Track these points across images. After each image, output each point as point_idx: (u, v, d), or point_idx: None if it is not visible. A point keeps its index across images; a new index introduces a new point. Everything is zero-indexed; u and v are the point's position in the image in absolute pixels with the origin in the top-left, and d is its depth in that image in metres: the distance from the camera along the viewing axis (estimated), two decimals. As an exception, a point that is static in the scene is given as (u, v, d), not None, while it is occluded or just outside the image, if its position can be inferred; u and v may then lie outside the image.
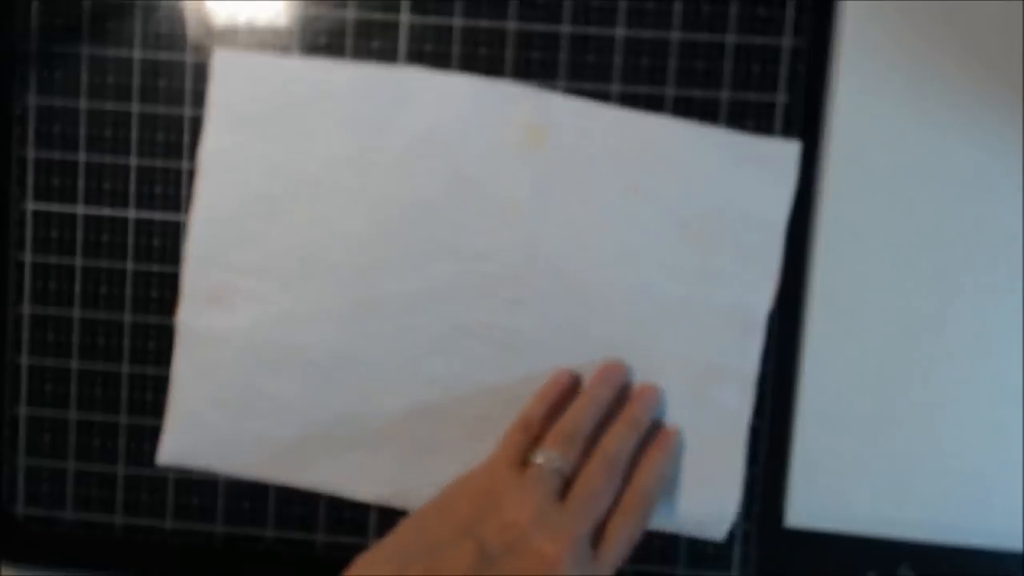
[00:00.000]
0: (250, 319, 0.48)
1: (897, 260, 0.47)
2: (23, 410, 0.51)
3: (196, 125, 0.49)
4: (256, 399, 0.49)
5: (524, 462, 0.44)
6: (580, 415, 0.45)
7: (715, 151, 0.46)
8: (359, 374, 0.48)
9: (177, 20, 0.49)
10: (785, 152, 0.46)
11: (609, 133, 0.46)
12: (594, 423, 0.45)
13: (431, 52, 0.48)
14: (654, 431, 0.47)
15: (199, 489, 0.51)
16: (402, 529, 0.43)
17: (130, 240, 0.50)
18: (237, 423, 0.49)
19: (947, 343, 0.47)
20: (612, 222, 0.47)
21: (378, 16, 0.48)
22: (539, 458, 0.43)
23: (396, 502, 0.48)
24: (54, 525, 0.51)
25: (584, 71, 0.47)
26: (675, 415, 0.47)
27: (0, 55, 0.49)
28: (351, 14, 0.48)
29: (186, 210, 0.50)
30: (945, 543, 0.47)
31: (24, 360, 0.51)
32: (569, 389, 0.47)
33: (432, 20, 0.48)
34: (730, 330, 0.47)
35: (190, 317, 0.49)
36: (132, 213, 0.50)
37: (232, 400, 0.49)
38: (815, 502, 0.47)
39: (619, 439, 0.45)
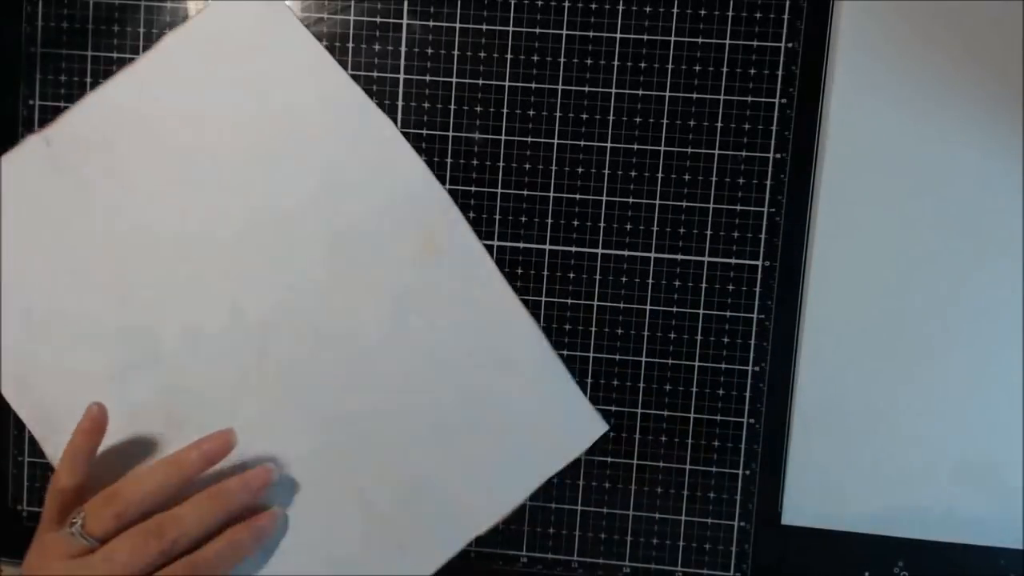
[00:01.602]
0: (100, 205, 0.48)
1: (895, 260, 0.47)
2: (27, 409, 0.51)
3: (199, 126, 0.50)
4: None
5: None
6: (144, 479, 0.43)
7: (546, 379, 0.48)
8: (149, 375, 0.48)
9: (180, 22, 0.49)
10: (592, 426, 0.48)
11: (482, 289, 0.48)
12: (165, 492, 0.43)
13: (431, 55, 0.48)
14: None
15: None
16: None
17: (133, 240, 0.50)
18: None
19: (945, 342, 0.47)
20: (435, 352, 0.48)
21: (379, 19, 0.48)
22: (73, 518, 0.42)
23: None
24: (57, 523, 0.52)
25: (582, 73, 0.48)
26: None
27: (5, 57, 0.50)
28: (353, 16, 0.48)
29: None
30: (941, 541, 0.47)
31: (28, 359, 0.51)
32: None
33: (432, 23, 0.48)
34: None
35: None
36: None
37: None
38: (811, 501, 0.47)
39: (188, 509, 0.42)
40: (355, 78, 0.48)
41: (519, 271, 0.49)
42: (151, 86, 0.48)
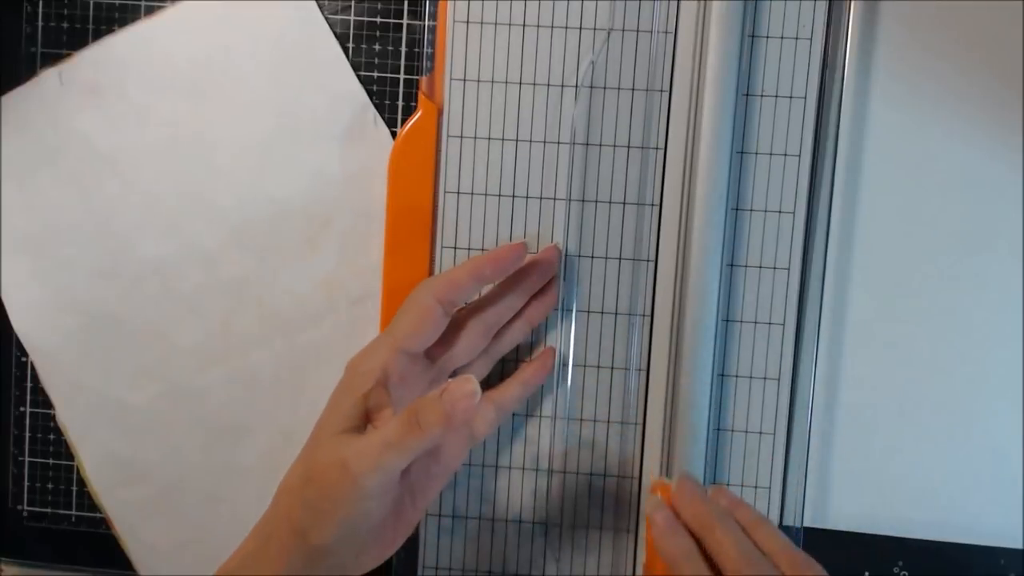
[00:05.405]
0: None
1: (894, 260, 0.47)
2: (27, 409, 0.51)
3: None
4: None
5: None
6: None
7: None
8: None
9: (180, 22, 0.49)
10: None
11: None
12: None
13: (429, 54, 0.48)
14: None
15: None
16: None
17: (133, 240, 0.50)
18: None
19: (944, 342, 0.47)
20: None
21: (378, 18, 0.48)
22: None
23: None
24: (57, 523, 0.52)
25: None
26: None
27: (5, 57, 0.50)
28: (351, 15, 0.48)
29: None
30: (941, 541, 0.47)
31: (28, 359, 0.51)
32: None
33: (432, 22, 0.48)
34: None
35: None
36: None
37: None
38: (811, 501, 0.47)
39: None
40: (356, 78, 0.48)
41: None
42: (166, 39, 0.48)
